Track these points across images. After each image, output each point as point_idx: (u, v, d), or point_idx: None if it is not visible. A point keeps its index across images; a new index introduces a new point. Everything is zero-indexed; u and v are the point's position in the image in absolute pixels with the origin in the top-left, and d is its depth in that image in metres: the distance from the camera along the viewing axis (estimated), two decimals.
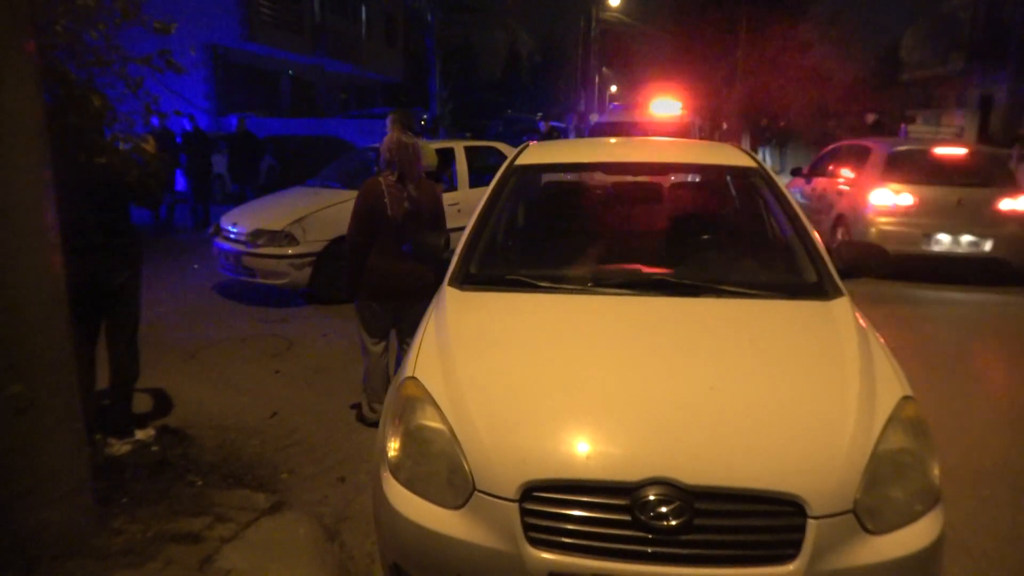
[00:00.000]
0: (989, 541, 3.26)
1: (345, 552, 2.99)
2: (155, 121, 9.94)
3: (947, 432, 4.44)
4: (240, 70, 22.73)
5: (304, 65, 26.15)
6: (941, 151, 9.17)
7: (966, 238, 8.45)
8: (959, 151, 9.29)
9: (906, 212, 8.57)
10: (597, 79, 44.86)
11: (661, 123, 14.29)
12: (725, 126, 26.63)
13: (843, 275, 3.13)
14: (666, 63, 39.03)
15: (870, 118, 15.36)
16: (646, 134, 14.16)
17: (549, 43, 50.37)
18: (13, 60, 2.41)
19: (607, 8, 38.32)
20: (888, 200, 8.65)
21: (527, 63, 50.37)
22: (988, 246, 8.44)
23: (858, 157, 9.67)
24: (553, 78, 46.53)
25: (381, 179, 4.10)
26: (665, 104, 15.37)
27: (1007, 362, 6.33)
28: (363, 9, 29.91)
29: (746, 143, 27.19)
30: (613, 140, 7.95)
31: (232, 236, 7.45)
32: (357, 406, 4.62)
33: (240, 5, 20.91)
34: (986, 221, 8.42)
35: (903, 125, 11.34)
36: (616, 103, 30.12)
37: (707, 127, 30.78)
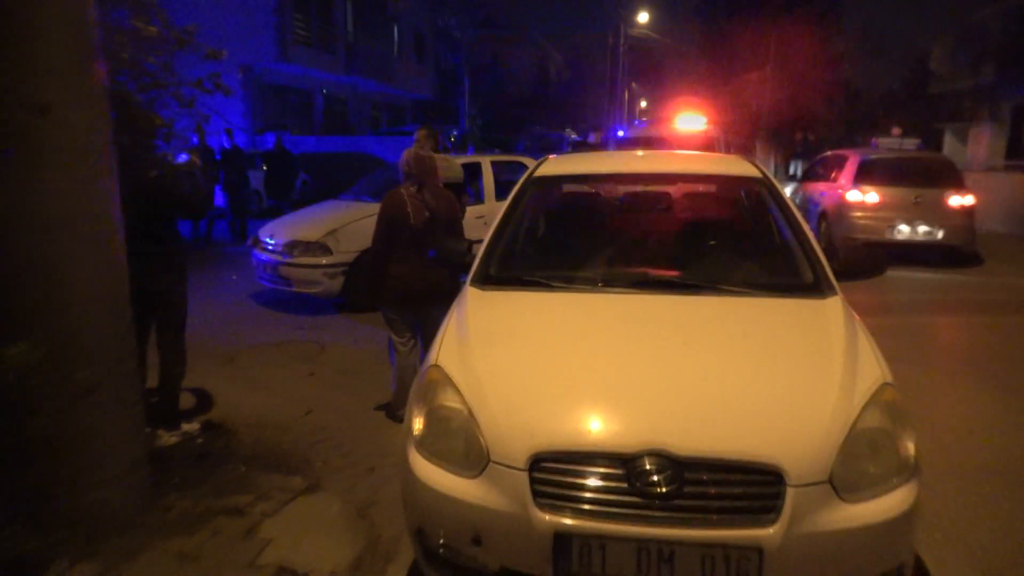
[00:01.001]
0: (986, 534, 3.41)
1: (374, 530, 3.25)
2: (195, 139, 10.38)
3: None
4: (274, 89, 23.39)
5: (337, 83, 26.79)
6: (902, 159, 11.47)
7: (922, 228, 10.53)
8: (916, 158, 11.60)
9: (873, 208, 10.63)
10: (627, 94, 45.12)
11: (685, 138, 14.47)
12: (725, 143, 26.75)
13: (841, 276, 3.35)
14: (694, 78, 39.25)
15: (895, 131, 15.90)
16: (671, 148, 14.33)
17: (578, 59, 50.75)
18: (83, 84, 2.73)
19: (635, 24, 38.64)
20: (859, 198, 10.74)
21: (556, 79, 50.81)
22: (940, 235, 10.51)
23: (838, 164, 11.81)
24: (582, 94, 46.86)
25: (403, 190, 4.38)
26: (689, 119, 15.56)
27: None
28: (395, 28, 30.57)
29: (770, 157, 27.21)
30: (626, 152, 8.23)
31: (269, 247, 7.81)
32: (385, 406, 4.89)
33: (275, 26, 21.55)
34: (938, 215, 10.48)
35: (873, 140, 14.07)
36: (639, 120, 30.45)
37: (734, 142, 30.73)
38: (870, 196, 10.63)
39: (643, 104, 57.53)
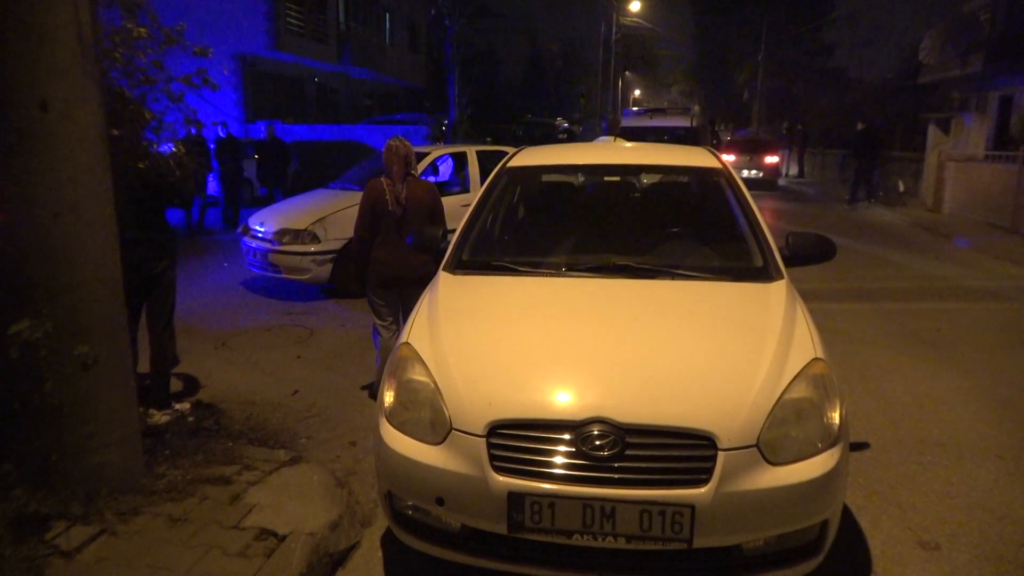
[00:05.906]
0: (920, 498, 3.67)
1: (352, 497, 3.49)
2: (192, 130, 10.52)
3: None
4: (268, 78, 23.47)
5: (329, 72, 26.87)
6: (745, 139, 25.90)
7: (753, 172, 22.47)
8: (752, 139, 25.37)
9: (733, 162, 20.11)
10: (620, 83, 45.18)
11: (671, 128, 14.69)
12: (713, 133, 28.79)
13: (790, 262, 3.58)
14: (686, 67, 39.40)
15: (859, 126, 17.21)
16: (658, 140, 14.55)
17: (571, 47, 50.80)
18: (82, 82, 2.94)
19: (627, 13, 38.74)
20: (727, 158, 18.10)
21: (549, 67, 50.85)
22: (761, 175, 22.57)
23: (724, 144, 25.51)
24: (575, 82, 46.96)
25: (383, 179, 4.61)
26: (676, 110, 15.78)
27: None
28: (387, 17, 30.65)
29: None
30: (595, 144, 8.46)
31: (259, 235, 8.02)
32: (369, 386, 5.13)
33: (268, 15, 21.65)
34: (759, 165, 22.68)
35: (737, 130, 28.99)
36: (627, 109, 30.83)
37: (723, 131, 31.02)
38: (731, 157, 21.79)
39: (636, 93, 57.57)
